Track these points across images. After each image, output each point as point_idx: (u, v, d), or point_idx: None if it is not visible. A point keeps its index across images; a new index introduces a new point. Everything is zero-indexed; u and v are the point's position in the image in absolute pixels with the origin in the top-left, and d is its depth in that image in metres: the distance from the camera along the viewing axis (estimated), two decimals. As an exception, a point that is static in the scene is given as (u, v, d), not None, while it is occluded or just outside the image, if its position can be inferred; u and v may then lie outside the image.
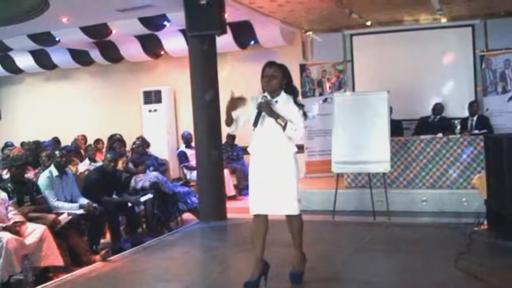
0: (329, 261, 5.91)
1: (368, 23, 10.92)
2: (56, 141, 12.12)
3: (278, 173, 4.83)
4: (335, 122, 8.42)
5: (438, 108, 10.00)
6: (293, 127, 4.75)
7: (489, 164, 6.95)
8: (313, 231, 7.48)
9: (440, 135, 8.87)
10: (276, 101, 4.88)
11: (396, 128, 9.36)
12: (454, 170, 8.60)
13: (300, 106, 4.89)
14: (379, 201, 8.27)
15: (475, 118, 9.72)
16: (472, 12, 10.30)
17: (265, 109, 4.79)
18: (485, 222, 6.86)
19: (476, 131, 9.27)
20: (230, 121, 4.90)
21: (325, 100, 10.86)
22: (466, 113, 9.85)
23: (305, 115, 4.88)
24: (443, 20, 10.79)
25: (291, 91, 4.95)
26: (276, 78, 4.88)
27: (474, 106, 9.82)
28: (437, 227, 7.35)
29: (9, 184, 6.55)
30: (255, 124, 4.85)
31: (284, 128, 4.74)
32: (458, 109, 10.18)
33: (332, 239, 7.02)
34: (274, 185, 4.82)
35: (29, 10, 8.25)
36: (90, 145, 10.37)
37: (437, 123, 9.79)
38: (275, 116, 4.77)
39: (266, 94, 4.92)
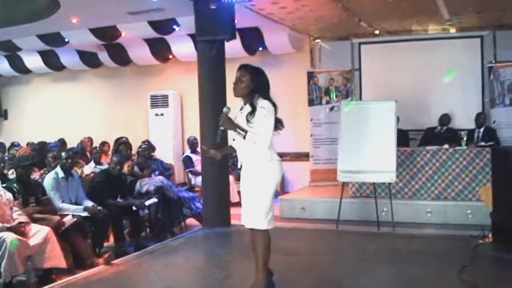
0: (333, 270, 5.88)
1: (377, 31, 10.92)
2: (62, 142, 12.14)
3: (247, 184, 4.74)
4: (342, 130, 8.40)
5: (444, 119, 9.96)
6: (252, 138, 4.54)
7: (495, 176, 6.93)
8: (316, 240, 7.52)
9: (446, 146, 8.84)
10: (241, 108, 4.71)
11: (403, 138, 9.34)
12: (459, 182, 8.57)
13: (261, 110, 4.56)
14: (384, 212, 8.25)
15: (481, 130, 9.69)
16: (481, 23, 10.28)
17: (222, 121, 4.66)
18: (490, 235, 6.83)
19: (482, 143, 9.23)
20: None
21: (332, 108, 10.85)
22: (473, 125, 9.82)
23: (274, 120, 4.57)
24: (452, 31, 10.79)
25: (254, 95, 4.63)
26: (243, 83, 4.63)
27: (481, 118, 9.79)
28: (442, 238, 7.33)
29: (14, 184, 6.54)
30: (218, 138, 4.76)
31: (244, 138, 4.58)
32: (465, 121, 10.15)
33: (335, 249, 7.00)
34: (244, 196, 4.78)
35: (39, 10, 8.30)
36: (95, 147, 10.39)
37: (443, 134, 9.76)
38: (233, 127, 4.61)
39: (227, 105, 4.80)
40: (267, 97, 4.65)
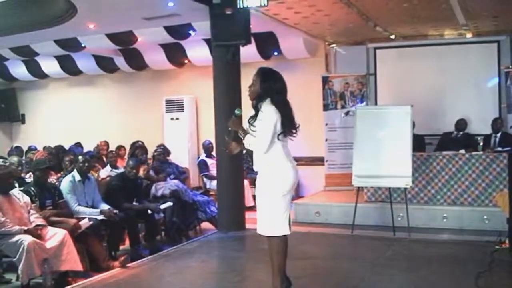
0: (348, 276, 5.87)
1: (392, 36, 10.88)
2: (78, 146, 12.24)
3: (256, 190, 4.80)
4: (357, 135, 8.38)
5: (461, 124, 9.90)
6: (249, 142, 4.61)
7: (512, 182, 6.88)
8: (331, 245, 7.50)
9: (462, 151, 8.78)
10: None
11: (418, 143, 9.30)
12: (476, 187, 8.49)
13: (261, 114, 4.60)
14: (399, 217, 8.21)
15: (498, 135, 9.60)
16: (498, 28, 10.21)
17: (230, 122, 4.75)
18: (507, 241, 6.77)
19: (499, 148, 9.14)
20: None
21: (347, 113, 10.83)
22: (489, 130, 9.74)
23: (274, 125, 4.53)
24: (468, 36, 10.71)
25: (263, 99, 4.65)
26: (254, 86, 4.69)
27: (497, 123, 9.70)
28: (458, 244, 7.27)
29: (32, 188, 6.63)
30: (230, 137, 4.80)
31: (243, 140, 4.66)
32: (481, 126, 10.06)
33: (351, 254, 6.98)
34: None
35: (57, 16, 8.38)
36: (111, 151, 10.45)
37: (460, 139, 9.70)
38: (238, 129, 4.70)
39: (239, 107, 4.87)
40: (277, 102, 4.61)
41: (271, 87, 4.66)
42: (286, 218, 4.66)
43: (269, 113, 4.56)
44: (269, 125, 4.54)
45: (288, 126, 4.61)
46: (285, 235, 4.68)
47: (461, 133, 9.86)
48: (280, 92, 4.68)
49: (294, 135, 4.69)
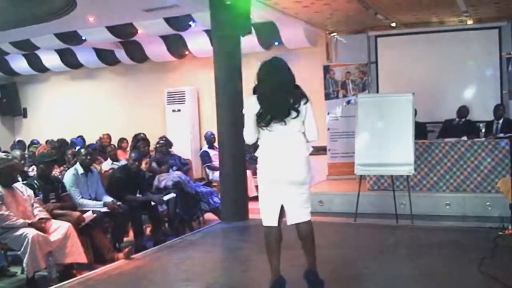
0: (351, 264, 5.89)
1: (393, 24, 10.85)
2: (78, 137, 12.29)
3: None
4: (359, 124, 8.39)
5: (463, 111, 9.88)
6: None
7: (514, 168, 6.89)
8: (335, 234, 7.51)
9: (464, 138, 8.78)
10: None
11: (420, 130, 9.28)
12: (478, 174, 8.51)
13: None
14: (402, 204, 8.23)
15: (500, 121, 9.59)
16: (499, 14, 10.18)
17: None
18: (509, 227, 6.79)
19: (501, 135, 9.14)
20: None
21: (348, 102, 10.83)
22: (491, 117, 9.73)
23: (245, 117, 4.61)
24: (469, 22, 10.68)
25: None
26: None
27: (499, 110, 9.69)
28: (461, 231, 7.26)
29: (35, 181, 6.65)
30: None
31: None
32: (483, 112, 10.06)
33: (354, 242, 6.99)
34: None
35: (57, 9, 8.38)
36: (111, 145, 10.47)
37: (461, 126, 9.69)
38: None
39: None
40: (258, 92, 4.56)
41: (257, 77, 4.61)
42: (273, 209, 4.62)
43: (244, 105, 4.63)
44: (245, 117, 4.59)
45: (262, 118, 4.49)
46: (272, 227, 4.64)
47: (463, 120, 9.85)
48: (262, 81, 4.57)
49: (267, 127, 4.50)
